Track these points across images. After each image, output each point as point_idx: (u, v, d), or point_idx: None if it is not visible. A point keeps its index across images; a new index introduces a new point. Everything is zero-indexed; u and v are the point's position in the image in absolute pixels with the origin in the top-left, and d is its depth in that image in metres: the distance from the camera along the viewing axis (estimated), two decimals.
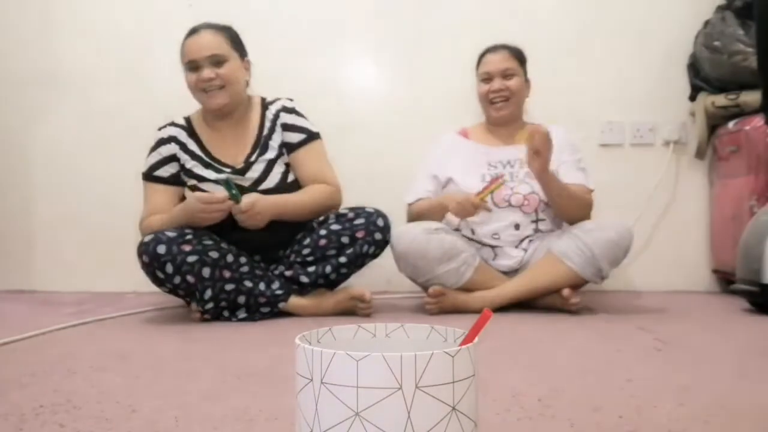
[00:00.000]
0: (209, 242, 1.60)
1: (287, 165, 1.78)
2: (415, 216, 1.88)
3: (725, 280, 2.23)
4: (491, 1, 2.39)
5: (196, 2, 2.42)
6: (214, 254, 1.59)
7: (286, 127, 1.78)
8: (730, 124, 2.16)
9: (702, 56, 2.22)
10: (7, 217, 2.44)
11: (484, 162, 1.89)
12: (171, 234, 1.58)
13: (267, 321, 1.62)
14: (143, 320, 1.64)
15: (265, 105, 1.82)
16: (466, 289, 1.74)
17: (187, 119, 1.83)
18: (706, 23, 2.24)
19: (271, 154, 1.75)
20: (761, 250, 1.69)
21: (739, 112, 2.14)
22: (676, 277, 2.34)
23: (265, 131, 1.78)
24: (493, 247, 1.82)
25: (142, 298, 2.13)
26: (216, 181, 1.67)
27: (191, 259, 1.56)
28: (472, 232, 1.84)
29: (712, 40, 2.17)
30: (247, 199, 1.61)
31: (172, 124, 1.81)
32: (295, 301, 1.67)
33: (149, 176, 1.79)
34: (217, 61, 1.72)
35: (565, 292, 1.69)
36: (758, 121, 2.01)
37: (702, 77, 2.25)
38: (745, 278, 1.77)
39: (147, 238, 1.57)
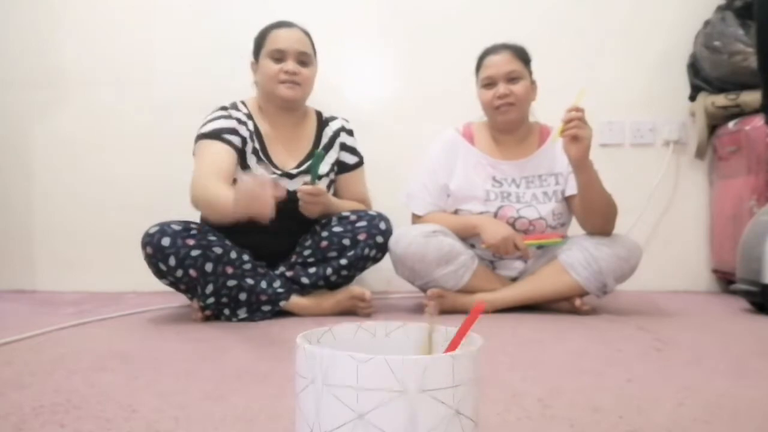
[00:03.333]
0: (213, 238, 1.60)
1: (331, 181, 1.82)
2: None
3: (725, 280, 2.23)
4: (488, 2, 2.39)
5: (196, 3, 2.41)
6: (217, 250, 1.59)
7: (345, 148, 1.85)
8: (730, 124, 2.16)
9: (702, 56, 2.22)
10: (7, 217, 2.44)
11: (489, 176, 1.80)
12: (176, 227, 1.58)
13: (267, 321, 1.62)
14: (143, 320, 1.64)
15: (323, 119, 1.86)
16: (467, 291, 1.72)
17: (246, 107, 1.78)
18: (706, 23, 2.24)
19: (323, 168, 1.78)
20: (761, 250, 1.69)
21: (739, 112, 2.14)
22: (676, 277, 2.34)
23: (321, 146, 1.82)
24: (492, 261, 1.80)
25: (142, 298, 2.13)
26: (316, 155, 1.61)
27: (195, 253, 1.56)
28: (472, 246, 1.79)
29: (712, 40, 2.17)
30: (320, 185, 1.63)
31: (237, 109, 1.75)
32: (295, 301, 1.67)
33: (217, 136, 1.65)
34: (303, 61, 1.74)
35: (578, 302, 1.69)
36: (758, 121, 2.01)
37: (702, 77, 2.25)
38: (745, 278, 1.77)
39: (152, 230, 1.57)
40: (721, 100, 2.17)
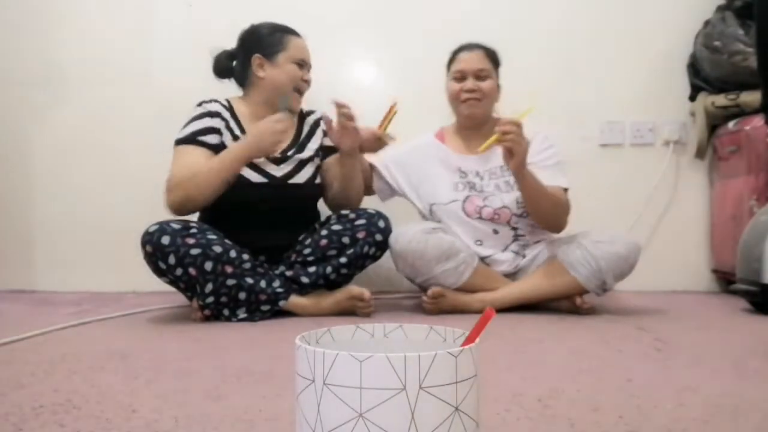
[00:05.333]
0: (213, 237, 1.61)
1: (316, 168, 1.86)
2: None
3: (725, 280, 2.23)
4: (490, 2, 2.39)
5: (196, 2, 2.42)
6: (217, 249, 1.59)
7: (327, 134, 1.88)
8: (730, 124, 2.16)
9: (702, 56, 2.22)
10: (7, 217, 2.44)
11: (456, 168, 1.88)
12: (176, 226, 1.58)
13: (267, 321, 1.62)
14: (143, 320, 1.64)
15: (303, 113, 1.92)
16: (466, 290, 1.73)
17: (228, 101, 1.84)
18: (706, 23, 2.24)
19: (306, 154, 1.83)
20: (761, 250, 1.69)
21: (739, 112, 2.14)
22: (676, 277, 2.34)
23: (304, 134, 1.88)
24: (482, 258, 1.81)
25: (142, 298, 2.13)
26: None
27: (194, 251, 1.56)
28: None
29: (712, 40, 2.17)
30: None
31: (215, 101, 1.81)
32: (295, 300, 1.67)
33: (191, 140, 1.71)
34: (309, 67, 1.86)
35: (578, 301, 1.70)
36: (758, 121, 2.01)
37: (702, 77, 2.25)
38: (745, 278, 1.77)
39: (152, 229, 1.57)
40: (721, 100, 2.17)
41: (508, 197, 1.82)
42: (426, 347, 0.55)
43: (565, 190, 1.79)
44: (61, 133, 2.43)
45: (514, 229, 1.83)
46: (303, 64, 1.83)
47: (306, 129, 1.89)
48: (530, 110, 1.63)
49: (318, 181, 1.86)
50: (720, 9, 2.22)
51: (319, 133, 1.90)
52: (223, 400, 0.85)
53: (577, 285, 1.68)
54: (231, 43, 1.94)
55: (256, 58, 1.81)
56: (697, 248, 2.35)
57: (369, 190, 1.96)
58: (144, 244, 1.57)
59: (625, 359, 1.11)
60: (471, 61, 1.85)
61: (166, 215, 1.67)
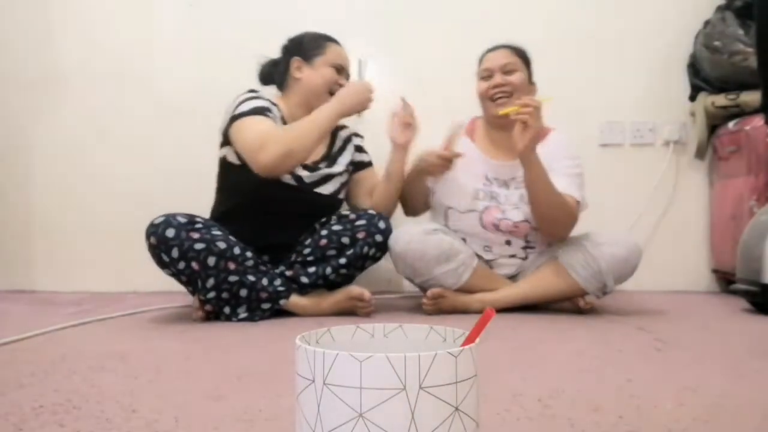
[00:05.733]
0: (218, 233, 1.61)
1: (342, 184, 1.88)
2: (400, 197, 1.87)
3: (725, 280, 2.23)
4: (493, 1, 2.39)
5: (196, 2, 2.42)
6: (221, 245, 1.59)
7: (359, 149, 1.96)
8: (730, 124, 2.16)
9: (702, 56, 2.22)
10: (7, 217, 2.44)
11: (482, 174, 1.81)
12: (182, 219, 1.59)
13: (267, 321, 1.62)
14: (143, 320, 1.64)
15: (336, 127, 1.92)
16: (466, 290, 1.73)
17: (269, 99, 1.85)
18: (706, 23, 2.24)
19: (337, 168, 1.87)
20: (761, 250, 1.69)
21: (739, 112, 2.14)
22: (676, 277, 2.34)
23: (335, 148, 1.91)
24: (487, 261, 1.80)
25: (142, 298, 2.13)
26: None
27: (198, 246, 1.57)
28: (464, 241, 1.80)
29: (712, 40, 2.17)
30: None
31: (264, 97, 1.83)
32: (295, 300, 1.67)
33: (260, 112, 1.71)
34: (347, 75, 1.89)
35: (581, 302, 1.70)
36: (758, 121, 2.01)
37: (702, 77, 2.25)
38: (745, 278, 1.77)
39: (157, 221, 1.58)
40: (721, 100, 2.17)
41: (531, 211, 1.74)
42: (426, 347, 0.55)
43: (577, 203, 1.72)
44: (61, 133, 2.43)
45: (528, 241, 1.80)
46: (340, 70, 1.86)
47: (338, 143, 1.92)
48: (549, 99, 1.62)
49: (342, 195, 1.88)
50: (720, 9, 2.22)
51: (350, 148, 1.93)
52: (223, 400, 0.85)
53: (577, 286, 1.68)
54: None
55: (295, 61, 1.85)
56: (697, 248, 2.35)
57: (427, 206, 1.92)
58: (148, 235, 1.57)
59: (625, 359, 1.11)
60: (496, 58, 1.81)
61: (256, 162, 1.67)
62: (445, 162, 1.71)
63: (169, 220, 1.57)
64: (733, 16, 2.14)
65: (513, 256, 1.80)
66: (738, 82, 2.11)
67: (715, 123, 2.24)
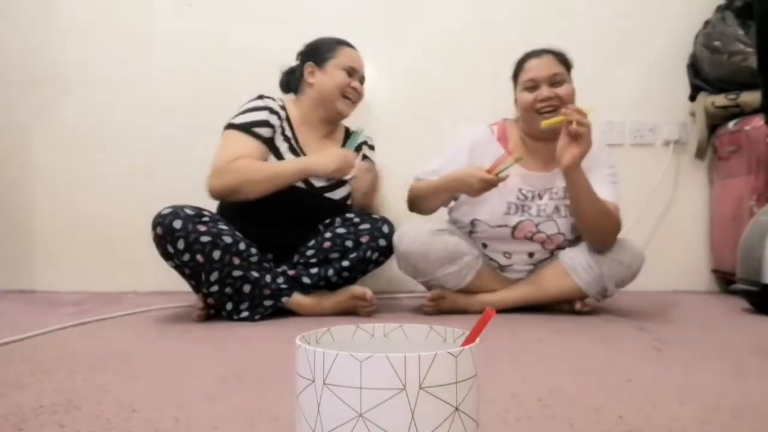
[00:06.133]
0: (224, 227, 1.61)
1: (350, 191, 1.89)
2: (413, 197, 1.76)
3: (725, 280, 2.23)
4: (492, 2, 2.39)
5: (196, 2, 2.42)
6: (227, 239, 1.59)
7: (366, 158, 1.95)
8: (730, 124, 2.16)
9: (702, 56, 2.22)
10: (7, 217, 2.44)
11: (515, 188, 1.70)
12: (189, 211, 1.59)
13: (267, 321, 1.62)
14: (143, 320, 1.64)
15: (349, 132, 1.98)
16: (468, 291, 1.72)
17: (282, 101, 1.87)
18: (706, 23, 2.24)
19: (348, 174, 1.84)
20: (761, 250, 1.69)
21: (739, 112, 2.14)
22: (676, 277, 2.34)
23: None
24: (501, 265, 1.78)
25: (142, 298, 2.13)
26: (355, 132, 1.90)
27: (204, 239, 1.57)
28: (484, 246, 1.77)
29: (712, 40, 2.17)
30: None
31: (273, 99, 1.84)
32: (297, 299, 1.68)
33: (246, 128, 1.74)
34: (363, 79, 1.91)
35: (578, 305, 1.69)
36: (758, 121, 2.01)
37: (702, 77, 2.25)
38: (745, 278, 1.77)
39: (165, 211, 1.58)
40: (721, 100, 2.17)
41: (566, 223, 1.70)
42: (426, 347, 0.54)
43: (617, 208, 1.68)
44: (61, 134, 2.43)
45: (553, 253, 1.76)
46: (352, 72, 1.86)
47: (350, 149, 1.88)
48: (592, 109, 1.55)
49: (350, 201, 1.89)
50: (720, 9, 2.22)
51: (359, 156, 1.92)
52: (223, 400, 0.85)
53: (578, 290, 1.67)
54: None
55: (308, 66, 1.87)
56: (697, 248, 2.35)
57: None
58: (155, 225, 1.57)
59: (625, 359, 1.11)
60: (542, 67, 1.69)
61: (207, 184, 1.69)
62: (487, 186, 1.61)
63: (176, 212, 1.57)
64: (733, 16, 2.14)
65: (530, 264, 1.78)
66: (738, 82, 2.11)
67: (715, 123, 2.24)
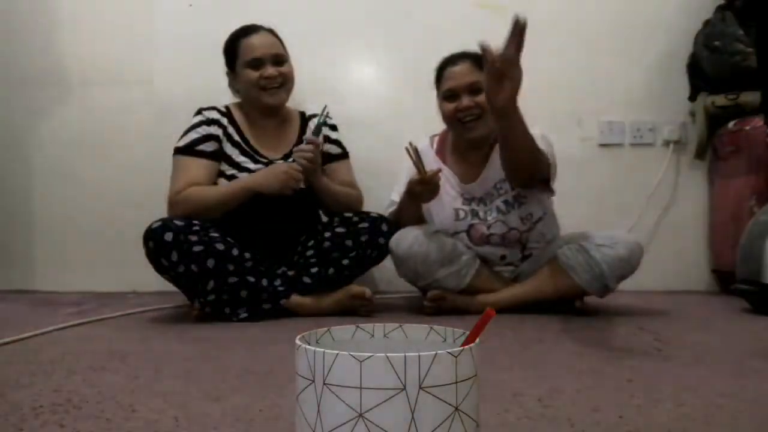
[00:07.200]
0: (216, 235, 1.61)
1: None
2: (395, 222, 1.79)
3: (725, 280, 2.23)
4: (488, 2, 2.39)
5: (196, 2, 2.42)
6: (220, 246, 1.59)
7: (329, 140, 1.90)
8: (730, 124, 2.16)
9: (702, 56, 2.22)
10: (7, 217, 2.44)
11: (458, 195, 1.78)
12: (179, 223, 1.58)
13: (267, 321, 1.62)
14: (143, 320, 1.64)
15: (306, 117, 1.93)
16: (468, 292, 1.72)
17: (227, 107, 1.86)
18: (706, 23, 2.24)
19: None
20: (761, 250, 1.69)
21: (739, 112, 2.14)
22: (676, 277, 2.34)
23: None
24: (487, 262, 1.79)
25: (142, 298, 2.13)
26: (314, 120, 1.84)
27: (197, 249, 1.57)
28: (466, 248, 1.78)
29: (712, 40, 2.17)
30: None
31: (213, 108, 1.84)
32: (296, 300, 1.67)
33: (190, 150, 1.75)
34: (279, 61, 1.81)
35: (578, 304, 1.70)
36: (758, 121, 2.02)
37: (702, 77, 2.25)
38: (745, 278, 1.76)
39: (155, 225, 1.57)
40: (721, 100, 2.17)
41: (512, 218, 1.73)
42: (426, 347, 0.55)
43: (549, 183, 1.70)
44: (61, 133, 2.43)
45: (524, 246, 1.78)
46: (258, 63, 1.78)
47: (311, 133, 1.85)
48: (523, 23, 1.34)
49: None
50: (720, 9, 2.22)
51: (320, 138, 1.87)
52: (223, 400, 0.85)
53: (579, 288, 1.67)
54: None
55: (227, 74, 1.87)
56: (697, 248, 2.35)
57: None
58: (146, 240, 1.57)
59: (625, 359, 1.11)
60: (460, 75, 1.70)
61: (166, 215, 1.68)
62: (428, 185, 1.62)
63: (166, 224, 1.57)
64: (733, 16, 2.14)
65: (509, 264, 1.79)
66: (738, 82, 2.11)
67: (715, 123, 2.24)
